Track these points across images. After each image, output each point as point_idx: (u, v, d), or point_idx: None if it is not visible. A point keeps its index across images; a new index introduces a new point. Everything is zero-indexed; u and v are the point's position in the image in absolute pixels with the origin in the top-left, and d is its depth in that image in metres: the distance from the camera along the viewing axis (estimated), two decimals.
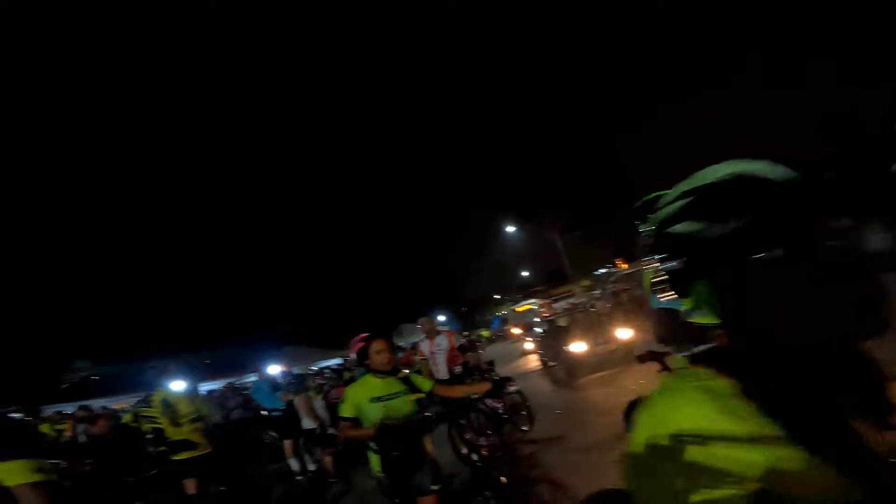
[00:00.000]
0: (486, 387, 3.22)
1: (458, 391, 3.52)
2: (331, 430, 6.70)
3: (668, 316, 2.40)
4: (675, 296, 2.26)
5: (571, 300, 29.94)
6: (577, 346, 8.58)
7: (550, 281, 43.12)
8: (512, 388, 5.47)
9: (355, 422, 2.64)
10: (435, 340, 5.84)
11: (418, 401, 2.81)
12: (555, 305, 30.83)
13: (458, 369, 5.72)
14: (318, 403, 6.64)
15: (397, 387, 2.75)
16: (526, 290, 38.49)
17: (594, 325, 9.40)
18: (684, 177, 0.75)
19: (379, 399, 2.65)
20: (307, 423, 6.22)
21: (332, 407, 7.15)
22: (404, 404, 2.72)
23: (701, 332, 2.30)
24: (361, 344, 2.77)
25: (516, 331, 26.56)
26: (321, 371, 15.40)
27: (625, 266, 33.83)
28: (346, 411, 2.66)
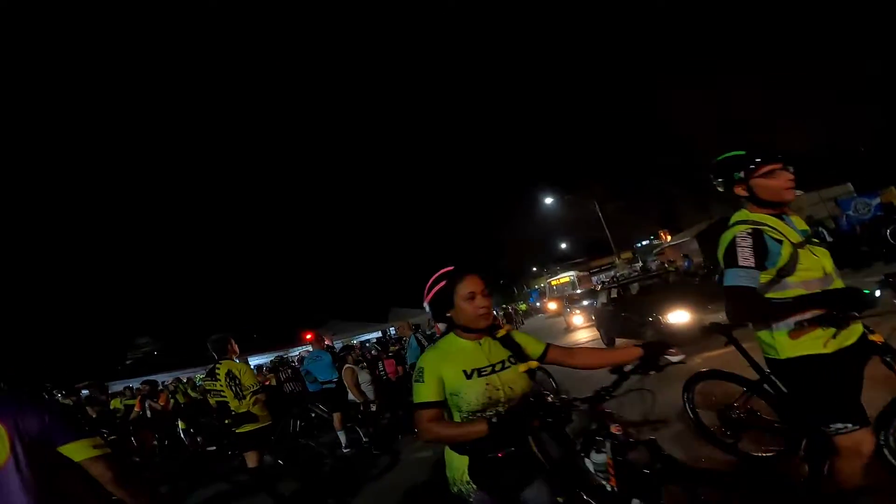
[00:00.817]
0: (636, 353, 1.90)
1: (599, 357, 2.05)
2: (373, 408, 6.93)
3: (742, 293, 2.26)
4: (753, 264, 2.10)
5: (612, 273, 29.27)
6: (679, 316, 7.04)
7: (590, 253, 42.34)
8: None
9: (440, 408, 1.71)
10: None
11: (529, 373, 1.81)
12: (593, 279, 30.33)
13: None
14: (364, 377, 6.85)
15: (501, 353, 1.82)
16: (565, 263, 37.98)
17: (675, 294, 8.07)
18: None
19: (480, 372, 1.72)
20: (352, 397, 6.45)
21: (379, 382, 7.39)
22: (517, 378, 1.77)
23: (783, 308, 2.13)
24: (442, 284, 1.82)
25: (552, 305, 25.69)
26: (362, 345, 15.91)
27: (668, 237, 32.72)
28: (425, 394, 1.69)
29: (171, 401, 9.29)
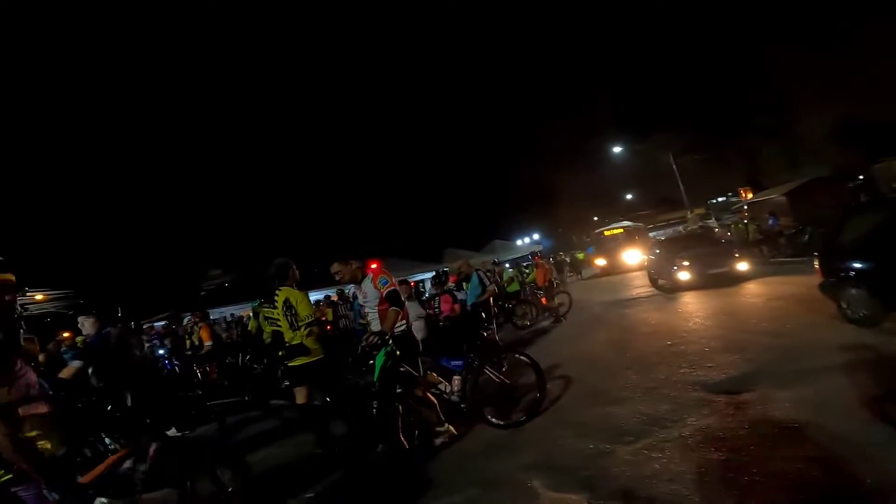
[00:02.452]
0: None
1: None
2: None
3: None
4: None
5: (681, 227, 27.41)
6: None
7: (658, 206, 39.84)
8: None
9: None
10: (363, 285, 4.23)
11: None
12: (651, 234, 27.96)
13: None
14: (414, 311, 6.57)
15: None
16: (630, 214, 35.96)
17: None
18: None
19: None
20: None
21: (428, 320, 7.21)
22: None
23: None
24: None
25: (600, 262, 22.60)
26: (416, 284, 15.93)
27: (749, 195, 30.15)
28: None
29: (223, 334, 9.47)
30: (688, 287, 10.36)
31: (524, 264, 19.18)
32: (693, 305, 8.76)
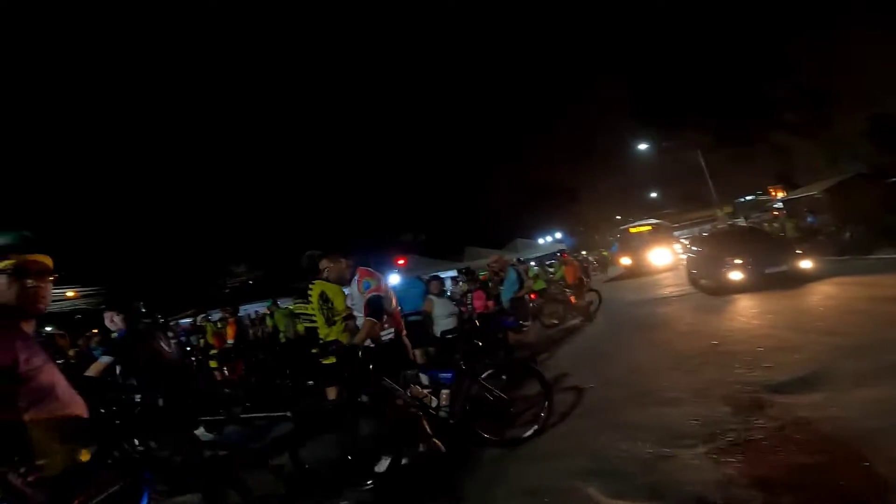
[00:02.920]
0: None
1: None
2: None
3: None
4: None
5: (710, 226, 26.67)
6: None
7: (684, 204, 38.90)
8: None
9: None
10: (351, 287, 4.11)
11: None
12: (675, 233, 26.92)
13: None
14: (443, 309, 6.37)
15: None
16: (656, 213, 35.11)
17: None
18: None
19: None
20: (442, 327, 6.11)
21: (461, 317, 6.98)
22: None
23: None
24: None
25: (625, 261, 20.73)
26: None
27: (780, 193, 29.33)
28: None
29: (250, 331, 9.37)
30: (741, 288, 9.06)
31: (547, 262, 18.85)
32: (739, 304, 8.34)
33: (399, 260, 7.19)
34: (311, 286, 4.14)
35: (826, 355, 4.45)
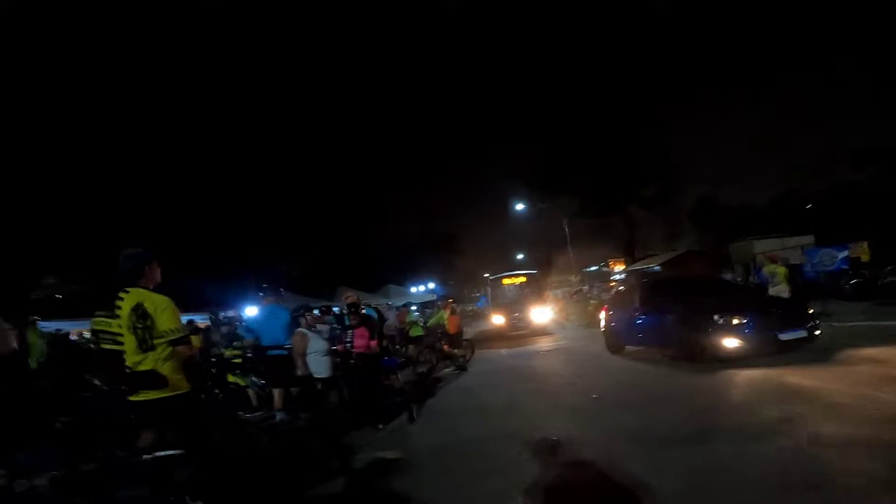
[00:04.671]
0: None
1: None
2: (321, 386, 5.58)
3: None
4: None
5: (569, 290, 28.93)
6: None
7: (544, 268, 42.30)
8: None
9: None
10: None
11: None
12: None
13: None
14: (317, 346, 5.37)
15: None
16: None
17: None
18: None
19: None
20: (313, 368, 5.07)
21: (342, 356, 5.97)
22: None
23: None
24: None
25: (497, 319, 16.63)
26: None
27: (619, 265, 33.01)
28: None
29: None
30: (739, 357, 6.29)
31: (427, 310, 18.37)
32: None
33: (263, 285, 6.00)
34: (122, 294, 2.93)
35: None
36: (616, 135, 27.25)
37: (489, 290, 19.20)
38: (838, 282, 14.37)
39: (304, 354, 5.16)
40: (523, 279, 18.12)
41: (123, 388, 2.88)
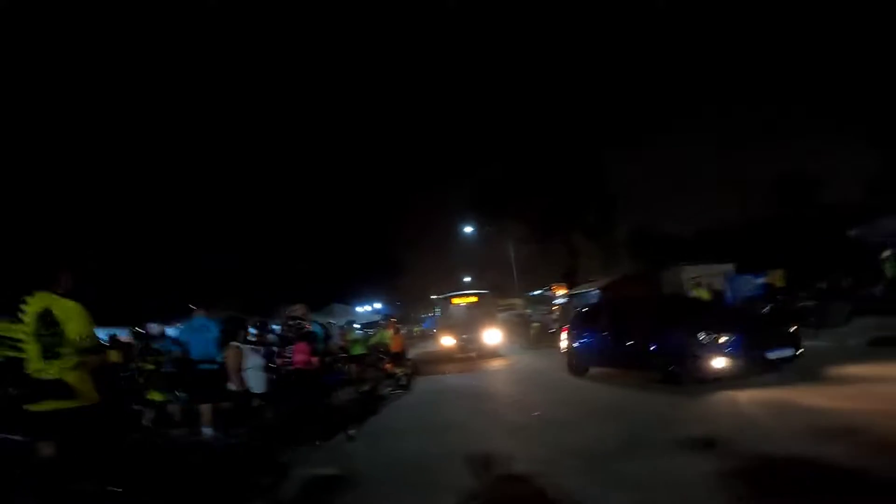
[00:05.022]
0: None
1: None
2: (258, 402, 5.29)
3: None
4: None
5: (513, 313, 29.38)
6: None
7: (490, 291, 42.75)
8: None
9: None
10: None
11: None
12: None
13: None
14: (254, 362, 5.14)
15: None
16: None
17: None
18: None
19: None
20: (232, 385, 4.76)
21: (277, 372, 5.68)
22: None
23: None
24: None
25: (446, 341, 15.61)
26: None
27: (562, 290, 33.97)
28: None
29: None
30: (723, 376, 6.02)
31: (370, 330, 18.00)
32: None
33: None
34: (28, 298, 2.72)
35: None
36: (561, 162, 28.40)
37: (437, 309, 18.01)
38: (754, 306, 15.43)
39: (240, 370, 4.87)
40: (474, 299, 17.02)
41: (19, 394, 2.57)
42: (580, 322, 9.40)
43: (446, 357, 15.20)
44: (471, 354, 14.86)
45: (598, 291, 21.42)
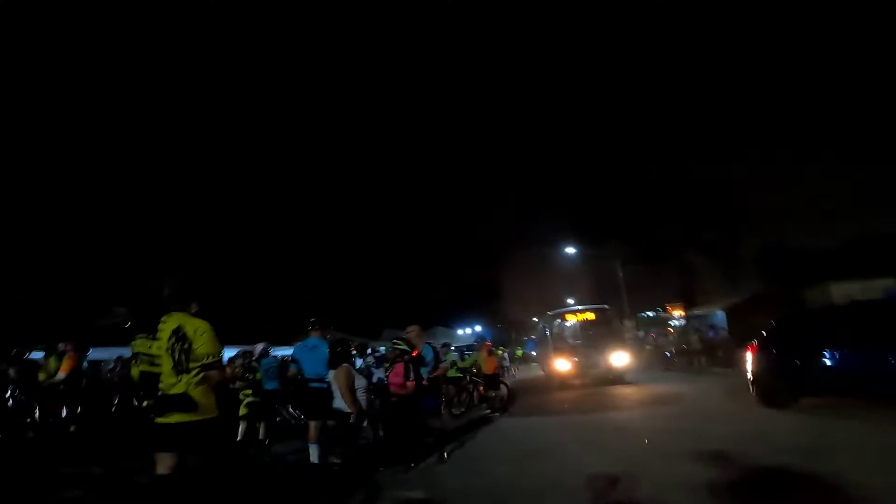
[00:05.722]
0: None
1: None
2: (360, 422, 5.51)
3: None
4: None
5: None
6: None
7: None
8: None
9: None
10: None
11: None
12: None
13: None
14: (360, 383, 5.42)
15: None
16: None
17: None
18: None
19: None
20: (340, 404, 5.03)
21: (378, 393, 5.96)
22: None
23: None
24: None
25: (561, 365, 13.03)
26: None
27: (678, 311, 31.30)
28: None
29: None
30: None
31: (467, 352, 18.13)
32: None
33: (311, 318, 6.05)
34: (164, 318, 3.08)
35: None
36: (669, 177, 26.52)
37: (547, 329, 15.24)
38: None
39: (352, 390, 5.10)
40: (592, 316, 14.64)
41: (150, 405, 2.96)
42: (786, 336, 7.46)
43: (559, 384, 13.15)
44: (592, 380, 12.82)
45: (721, 313, 19.38)
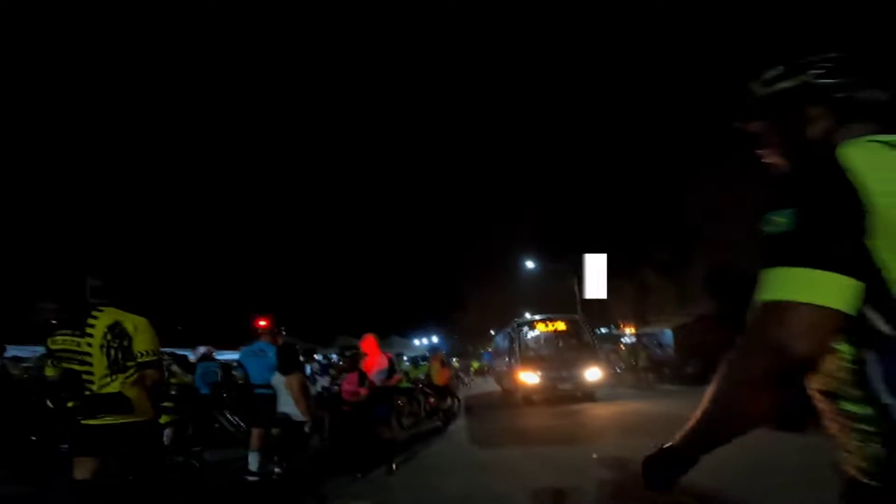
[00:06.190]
0: None
1: None
2: (306, 431, 5.32)
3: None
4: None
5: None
6: None
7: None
8: None
9: None
10: None
11: None
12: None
13: None
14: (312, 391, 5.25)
15: None
16: None
17: None
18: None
19: None
20: (291, 410, 4.81)
21: (325, 400, 5.75)
22: None
23: None
24: None
25: (528, 378, 11.90)
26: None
27: (630, 329, 32.28)
28: None
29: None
30: None
31: (421, 362, 18.05)
32: None
33: (260, 320, 5.78)
34: (96, 312, 2.84)
35: None
36: (632, 195, 27.33)
37: (510, 338, 13.97)
38: None
39: (305, 398, 4.89)
40: (562, 325, 13.66)
41: (79, 411, 2.73)
42: None
43: (521, 399, 12.13)
44: (561, 395, 11.74)
45: (670, 332, 20.13)
